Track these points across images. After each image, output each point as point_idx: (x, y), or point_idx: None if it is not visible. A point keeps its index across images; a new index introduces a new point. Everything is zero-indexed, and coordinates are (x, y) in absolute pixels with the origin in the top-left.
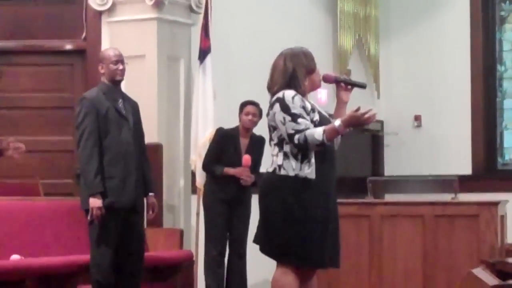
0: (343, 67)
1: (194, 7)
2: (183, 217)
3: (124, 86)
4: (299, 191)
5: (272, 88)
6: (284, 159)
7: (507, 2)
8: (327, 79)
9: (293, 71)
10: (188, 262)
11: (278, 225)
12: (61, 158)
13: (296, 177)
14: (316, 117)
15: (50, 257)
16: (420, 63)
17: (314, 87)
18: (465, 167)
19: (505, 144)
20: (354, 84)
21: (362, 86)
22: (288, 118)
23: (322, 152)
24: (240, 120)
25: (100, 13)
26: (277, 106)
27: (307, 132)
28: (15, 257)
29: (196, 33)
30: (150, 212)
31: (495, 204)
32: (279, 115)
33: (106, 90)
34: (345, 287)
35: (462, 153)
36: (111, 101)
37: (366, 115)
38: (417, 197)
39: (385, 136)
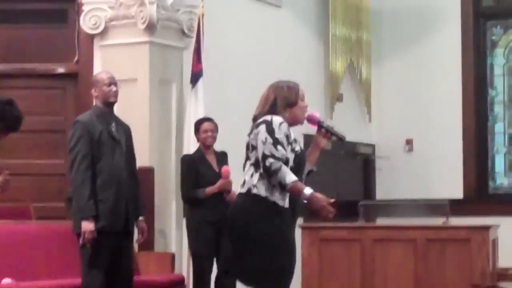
0: (335, 91)
1: (186, 31)
2: (175, 241)
3: (116, 110)
4: (269, 213)
5: (254, 113)
6: (259, 179)
7: (498, 26)
8: (311, 119)
9: (273, 101)
10: (179, 286)
11: (253, 247)
12: (53, 181)
13: (266, 198)
14: (298, 147)
15: (42, 281)
16: (412, 87)
17: (296, 121)
18: (456, 191)
19: (496, 169)
20: (335, 134)
21: (342, 139)
22: (270, 140)
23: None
24: (199, 140)
25: (92, 36)
26: (262, 127)
27: (284, 168)
28: (6, 281)
29: (188, 57)
30: (140, 236)
31: (487, 228)
32: (262, 135)
33: (99, 114)
34: None
35: (453, 177)
36: (104, 124)
37: (327, 212)
38: (408, 221)
39: (376, 159)
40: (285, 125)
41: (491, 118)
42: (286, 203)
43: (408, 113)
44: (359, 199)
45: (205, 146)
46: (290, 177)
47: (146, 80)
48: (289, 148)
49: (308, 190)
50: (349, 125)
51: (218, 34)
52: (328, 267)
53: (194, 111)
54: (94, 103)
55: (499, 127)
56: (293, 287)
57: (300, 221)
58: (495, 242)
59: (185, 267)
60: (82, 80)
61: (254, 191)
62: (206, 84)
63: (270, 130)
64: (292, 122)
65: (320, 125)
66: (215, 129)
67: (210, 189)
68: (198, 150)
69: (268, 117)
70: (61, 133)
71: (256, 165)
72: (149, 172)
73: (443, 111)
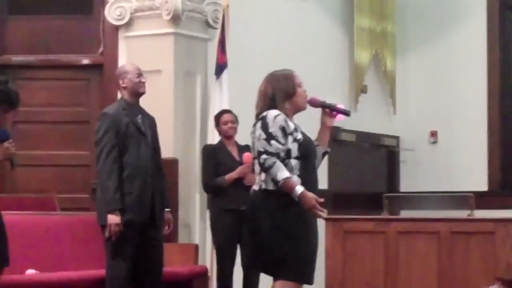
0: (359, 83)
1: (211, 22)
2: (198, 232)
3: (140, 101)
4: (284, 206)
5: (256, 111)
6: (263, 173)
7: None
8: (313, 103)
9: (272, 95)
10: (203, 278)
11: (269, 240)
12: (77, 172)
13: (278, 191)
14: (299, 136)
15: (66, 272)
16: (437, 79)
17: (298, 109)
18: (481, 184)
19: None
20: (339, 111)
21: (347, 113)
22: (263, 135)
23: (304, 170)
24: (220, 133)
25: (117, 27)
26: (258, 124)
27: (277, 164)
28: (30, 271)
29: (212, 48)
30: (166, 228)
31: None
32: (257, 132)
33: (126, 106)
34: None
35: (478, 169)
36: (130, 116)
37: (317, 211)
38: (433, 214)
39: (401, 152)
40: (280, 117)
41: None
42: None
43: (433, 105)
44: (383, 192)
45: (227, 137)
46: (281, 174)
47: (170, 71)
48: (289, 139)
49: (299, 188)
50: (373, 117)
51: (242, 25)
52: (352, 259)
53: (219, 103)
54: (119, 95)
55: None
56: (317, 279)
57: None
58: None
59: (208, 259)
60: (106, 71)
61: (264, 186)
62: (230, 75)
63: (264, 125)
64: (295, 110)
65: (323, 105)
66: (235, 120)
67: (230, 176)
68: (220, 142)
69: (265, 113)
70: (86, 124)
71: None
72: (173, 163)
73: (468, 103)
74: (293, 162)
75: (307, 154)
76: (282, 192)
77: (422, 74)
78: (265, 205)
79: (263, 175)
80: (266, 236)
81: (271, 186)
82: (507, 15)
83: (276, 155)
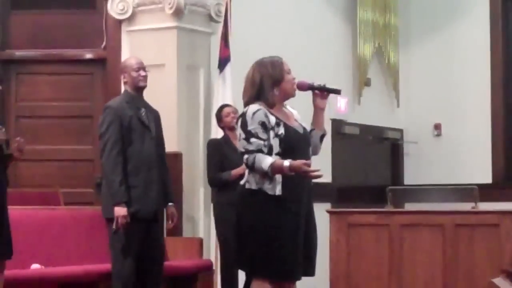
0: (362, 76)
1: (214, 16)
2: (203, 226)
3: (144, 95)
4: (264, 205)
5: (243, 99)
6: (248, 173)
7: None
8: (301, 87)
9: (260, 82)
10: (207, 271)
11: (249, 239)
12: (81, 167)
13: (259, 190)
14: (281, 130)
15: (70, 266)
16: (440, 71)
17: (287, 96)
18: (485, 176)
19: None
20: (328, 90)
21: (337, 92)
22: (243, 135)
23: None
24: (224, 128)
25: (120, 22)
26: (239, 122)
27: (257, 157)
28: (35, 266)
29: (215, 42)
30: (170, 222)
31: None
32: (238, 131)
33: (129, 99)
34: None
35: (482, 161)
36: (134, 110)
37: (311, 173)
38: (437, 206)
39: (404, 144)
40: (260, 112)
41: None
42: (278, 191)
43: (436, 97)
44: (387, 184)
45: (231, 129)
46: (266, 163)
47: (173, 65)
48: (271, 134)
49: (286, 163)
50: (377, 109)
51: (245, 19)
52: (356, 252)
53: (222, 96)
54: (123, 89)
55: None
56: (321, 272)
57: (328, 206)
58: None
59: (213, 253)
60: (110, 65)
61: (247, 186)
62: (233, 69)
63: (243, 124)
64: (284, 97)
65: (312, 88)
66: (236, 111)
67: (236, 171)
68: (224, 136)
69: (245, 109)
70: (89, 118)
71: None
72: (177, 157)
73: (472, 96)
74: (275, 158)
75: (291, 149)
76: (263, 191)
77: (425, 66)
78: (245, 203)
79: (247, 172)
80: (244, 234)
81: (253, 186)
82: (510, 7)
83: (257, 151)
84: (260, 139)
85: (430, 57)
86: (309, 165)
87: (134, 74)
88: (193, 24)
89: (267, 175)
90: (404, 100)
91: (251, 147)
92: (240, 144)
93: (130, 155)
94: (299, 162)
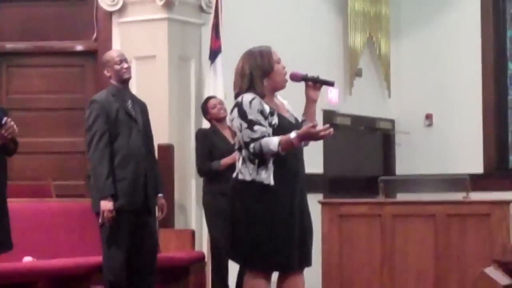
0: (354, 66)
1: (205, 7)
2: (195, 218)
3: (134, 87)
4: (258, 196)
5: (234, 91)
6: (242, 163)
7: None
8: (294, 78)
9: (250, 73)
10: (200, 263)
11: (242, 230)
12: (73, 159)
13: (253, 182)
14: (275, 120)
15: (63, 259)
16: (431, 61)
17: (277, 87)
18: (476, 166)
19: None
20: (322, 82)
21: (330, 83)
22: (244, 125)
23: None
24: (211, 120)
25: (110, 13)
26: (235, 112)
27: (263, 142)
28: (27, 259)
29: (206, 33)
30: (159, 213)
31: (507, 203)
32: (237, 121)
33: (115, 92)
34: (357, 287)
35: (473, 151)
36: (120, 102)
37: (322, 133)
38: (428, 197)
39: (396, 135)
40: (256, 100)
41: (511, 92)
42: (271, 180)
43: (428, 87)
44: (379, 175)
45: (218, 120)
46: (273, 143)
47: (164, 57)
48: (267, 123)
49: (293, 134)
50: (368, 100)
51: (236, 9)
52: (348, 243)
53: (213, 88)
54: (110, 82)
55: None
56: (314, 264)
57: (320, 197)
58: None
59: (205, 244)
60: (101, 57)
61: (240, 176)
62: (225, 60)
63: (242, 114)
64: (274, 88)
65: (305, 79)
66: (222, 102)
67: (225, 160)
68: (212, 126)
69: (239, 98)
70: (81, 111)
71: (239, 149)
72: (168, 149)
73: (463, 86)
74: (279, 137)
75: None
76: (257, 182)
77: (416, 56)
78: (238, 195)
79: (239, 164)
80: (237, 225)
81: (247, 177)
82: None
83: (262, 138)
84: (263, 125)
85: (422, 47)
86: (315, 127)
87: (117, 67)
88: (184, 16)
89: (279, 154)
90: (395, 90)
91: (255, 135)
92: (243, 134)
93: (118, 147)
94: (305, 128)
